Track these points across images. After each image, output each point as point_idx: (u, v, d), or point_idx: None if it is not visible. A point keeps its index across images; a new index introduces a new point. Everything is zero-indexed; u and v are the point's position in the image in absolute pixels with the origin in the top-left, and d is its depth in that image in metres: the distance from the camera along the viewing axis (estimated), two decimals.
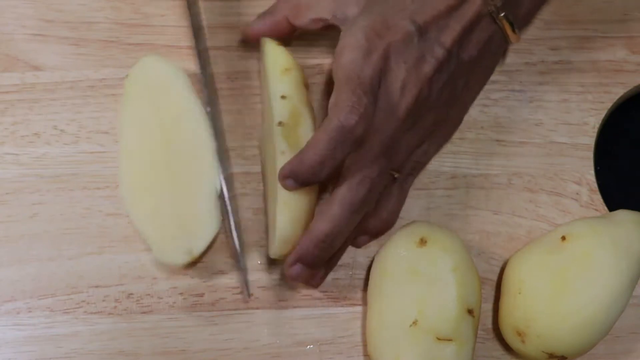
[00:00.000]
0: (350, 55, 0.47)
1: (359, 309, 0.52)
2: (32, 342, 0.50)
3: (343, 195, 0.47)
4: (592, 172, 0.55)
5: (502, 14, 0.48)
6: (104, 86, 0.55)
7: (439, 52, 0.47)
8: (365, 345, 0.50)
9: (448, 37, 0.47)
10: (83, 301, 0.51)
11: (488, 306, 0.52)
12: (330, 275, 0.52)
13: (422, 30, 0.47)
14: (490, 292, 0.52)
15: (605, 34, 0.58)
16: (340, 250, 0.51)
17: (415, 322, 0.47)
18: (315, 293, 0.52)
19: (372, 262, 0.52)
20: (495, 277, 0.52)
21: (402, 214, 0.53)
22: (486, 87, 0.53)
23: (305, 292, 0.52)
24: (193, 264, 0.51)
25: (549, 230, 0.52)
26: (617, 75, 0.57)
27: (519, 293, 0.49)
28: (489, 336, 0.52)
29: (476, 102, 0.54)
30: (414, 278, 0.48)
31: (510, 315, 0.49)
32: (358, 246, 0.52)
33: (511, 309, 0.49)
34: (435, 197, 0.54)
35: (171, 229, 0.49)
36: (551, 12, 0.58)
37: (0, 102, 0.55)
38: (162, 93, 0.52)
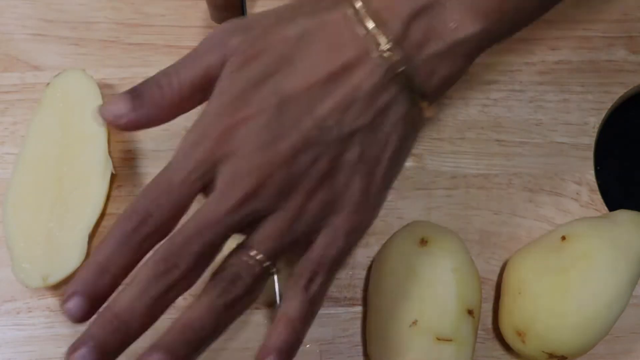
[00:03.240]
0: (187, 136, 0.40)
1: (359, 309, 0.52)
2: (32, 342, 0.50)
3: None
4: (592, 172, 0.55)
5: (400, 69, 0.39)
6: (104, 86, 0.55)
7: (306, 124, 0.39)
8: (365, 345, 0.50)
9: (324, 106, 0.39)
10: None
11: (488, 306, 0.52)
12: None
13: (286, 104, 0.39)
14: (490, 292, 0.52)
15: (605, 33, 0.58)
16: None
17: (415, 322, 0.47)
18: None
19: (372, 262, 0.52)
20: (495, 277, 0.52)
21: (402, 214, 0.53)
22: (486, 87, 0.53)
23: None
24: (54, 287, 0.50)
25: (549, 230, 0.52)
26: (617, 75, 0.57)
27: (519, 293, 0.49)
28: (489, 336, 0.52)
29: (476, 102, 0.54)
30: (414, 278, 0.48)
31: (510, 315, 0.49)
32: None
33: (511, 309, 0.49)
34: (436, 197, 0.54)
35: (36, 250, 0.49)
36: (551, 12, 0.58)
37: (0, 102, 0.55)
38: (74, 111, 0.52)
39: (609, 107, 0.56)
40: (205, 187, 0.40)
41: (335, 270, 0.42)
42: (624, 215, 0.50)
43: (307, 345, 0.51)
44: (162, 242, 0.39)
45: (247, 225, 0.40)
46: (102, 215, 0.52)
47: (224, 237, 0.40)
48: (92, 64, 0.56)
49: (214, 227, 0.39)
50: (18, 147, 0.53)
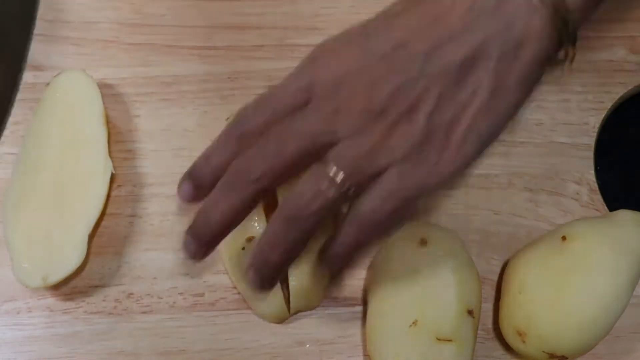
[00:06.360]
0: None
1: (359, 309, 0.52)
2: (32, 342, 0.50)
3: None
4: (592, 172, 0.55)
5: None
6: (104, 86, 0.55)
7: (397, 54, 0.40)
8: (365, 345, 0.50)
9: (417, 43, 0.40)
10: (83, 301, 0.51)
11: (488, 306, 0.52)
12: None
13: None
14: (490, 292, 0.52)
15: (605, 33, 0.58)
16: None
17: (415, 322, 0.47)
18: None
19: (372, 262, 0.52)
20: (495, 277, 0.52)
21: None
22: None
23: None
24: (54, 287, 0.50)
25: (549, 230, 0.52)
26: (617, 75, 0.57)
27: (520, 293, 0.49)
28: (489, 336, 0.52)
29: None
30: (414, 278, 0.48)
31: (510, 315, 0.49)
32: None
33: (512, 309, 0.49)
34: (435, 197, 0.54)
35: (36, 250, 0.49)
36: None
37: None
38: (74, 111, 0.52)
39: (609, 107, 0.56)
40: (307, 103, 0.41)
41: (399, 207, 0.41)
42: (624, 215, 0.50)
43: (307, 345, 0.51)
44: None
45: (333, 143, 0.40)
46: (102, 215, 0.52)
47: (314, 147, 0.40)
48: (92, 64, 0.56)
49: (304, 135, 0.40)
50: (18, 147, 0.53)
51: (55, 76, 0.53)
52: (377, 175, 0.41)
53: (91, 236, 0.50)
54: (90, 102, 0.52)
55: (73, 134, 0.52)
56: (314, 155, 0.41)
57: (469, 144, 0.41)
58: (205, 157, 0.43)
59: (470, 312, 0.48)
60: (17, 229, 0.50)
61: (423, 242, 0.49)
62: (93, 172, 0.51)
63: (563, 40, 0.40)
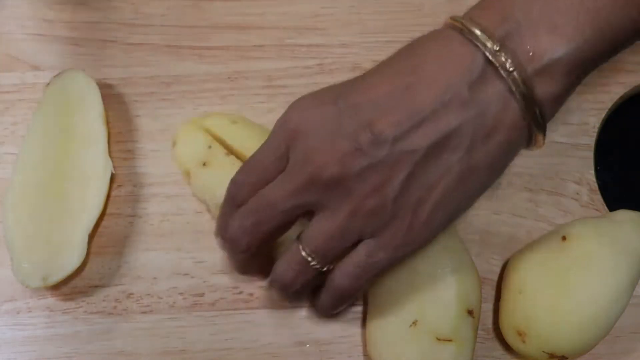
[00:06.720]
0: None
1: (359, 309, 0.51)
2: (32, 342, 0.50)
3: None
4: (592, 172, 0.55)
5: (511, 69, 0.40)
6: (104, 86, 0.55)
7: (364, 135, 0.40)
8: (364, 345, 0.50)
9: (380, 121, 0.40)
10: (83, 301, 0.51)
11: (488, 306, 0.52)
12: None
13: (349, 109, 0.42)
14: (490, 292, 0.52)
15: None
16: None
17: (415, 322, 0.47)
18: None
19: None
20: (495, 277, 0.52)
21: None
22: None
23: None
24: (54, 287, 0.51)
25: (549, 230, 0.52)
26: (617, 75, 0.57)
27: (520, 293, 0.49)
28: (489, 336, 0.52)
29: None
30: (414, 278, 0.48)
31: (510, 315, 0.49)
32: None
33: (512, 308, 0.49)
34: None
35: (36, 250, 0.49)
36: None
37: (0, 102, 0.55)
38: (74, 112, 0.52)
39: (609, 107, 0.56)
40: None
41: (369, 278, 0.44)
42: (624, 215, 0.50)
43: (307, 345, 0.51)
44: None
45: (306, 214, 0.43)
46: (102, 215, 0.52)
47: (286, 216, 0.43)
48: (92, 64, 0.56)
49: (271, 207, 0.43)
50: (18, 147, 0.53)
51: (55, 76, 0.53)
52: (348, 250, 0.43)
53: (91, 236, 0.51)
54: (90, 102, 0.52)
55: (73, 134, 0.52)
56: (293, 222, 0.44)
57: (437, 220, 0.42)
58: (222, 227, 0.46)
59: (470, 312, 0.48)
60: (17, 229, 0.50)
61: None
62: (93, 172, 0.51)
63: (532, 130, 0.41)
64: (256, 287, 0.52)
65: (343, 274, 0.44)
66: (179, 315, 0.51)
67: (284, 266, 0.45)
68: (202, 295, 0.51)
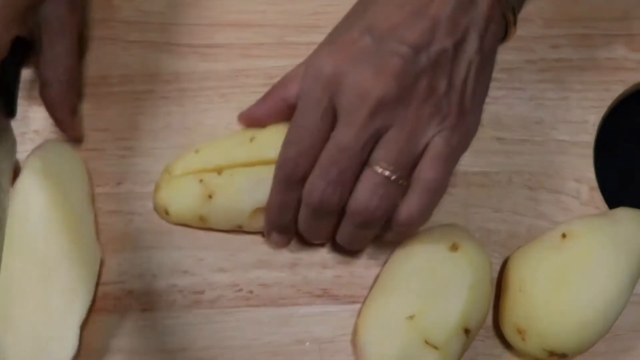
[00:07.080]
0: (305, 82, 0.47)
1: (359, 307, 0.51)
2: None
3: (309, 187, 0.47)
4: (592, 169, 0.55)
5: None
6: (104, 84, 0.55)
7: (404, 49, 0.45)
8: (355, 327, 0.50)
9: (411, 35, 0.45)
10: None
11: None
12: (330, 273, 0.52)
13: (380, 38, 0.46)
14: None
15: (605, 31, 0.58)
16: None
17: (412, 317, 0.47)
18: (316, 291, 0.52)
19: (371, 260, 0.52)
20: (495, 275, 0.52)
21: None
22: None
23: (306, 290, 0.52)
24: None
25: (549, 228, 0.52)
26: (617, 73, 0.57)
27: (520, 291, 0.49)
28: (489, 334, 0.52)
29: None
30: (430, 277, 0.48)
31: (510, 313, 0.49)
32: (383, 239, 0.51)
33: (512, 306, 0.49)
34: None
35: (25, 346, 0.46)
36: (552, 11, 0.58)
37: None
38: (58, 190, 0.49)
39: (609, 104, 0.56)
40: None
41: (453, 167, 0.48)
42: (624, 213, 0.50)
43: (307, 343, 0.51)
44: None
45: (375, 143, 0.46)
46: (101, 214, 0.52)
47: (364, 154, 0.46)
48: (91, 62, 0.56)
49: (348, 151, 0.45)
50: (18, 145, 0.52)
51: (36, 148, 0.51)
52: (422, 153, 0.46)
53: (82, 328, 0.48)
54: (75, 181, 0.50)
55: (58, 216, 0.48)
56: (367, 160, 0.46)
57: (477, 100, 0.48)
58: (278, 209, 0.49)
59: (466, 331, 0.48)
60: (4, 323, 0.46)
61: (454, 248, 0.49)
62: (81, 259, 0.48)
63: (508, 18, 0.48)
64: (256, 285, 0.52)
65: (429, 167, 0.46)
66: (179, 313, 0.51)
67: (365, 194, 0.46)
68: (202, 293, 0.51)
